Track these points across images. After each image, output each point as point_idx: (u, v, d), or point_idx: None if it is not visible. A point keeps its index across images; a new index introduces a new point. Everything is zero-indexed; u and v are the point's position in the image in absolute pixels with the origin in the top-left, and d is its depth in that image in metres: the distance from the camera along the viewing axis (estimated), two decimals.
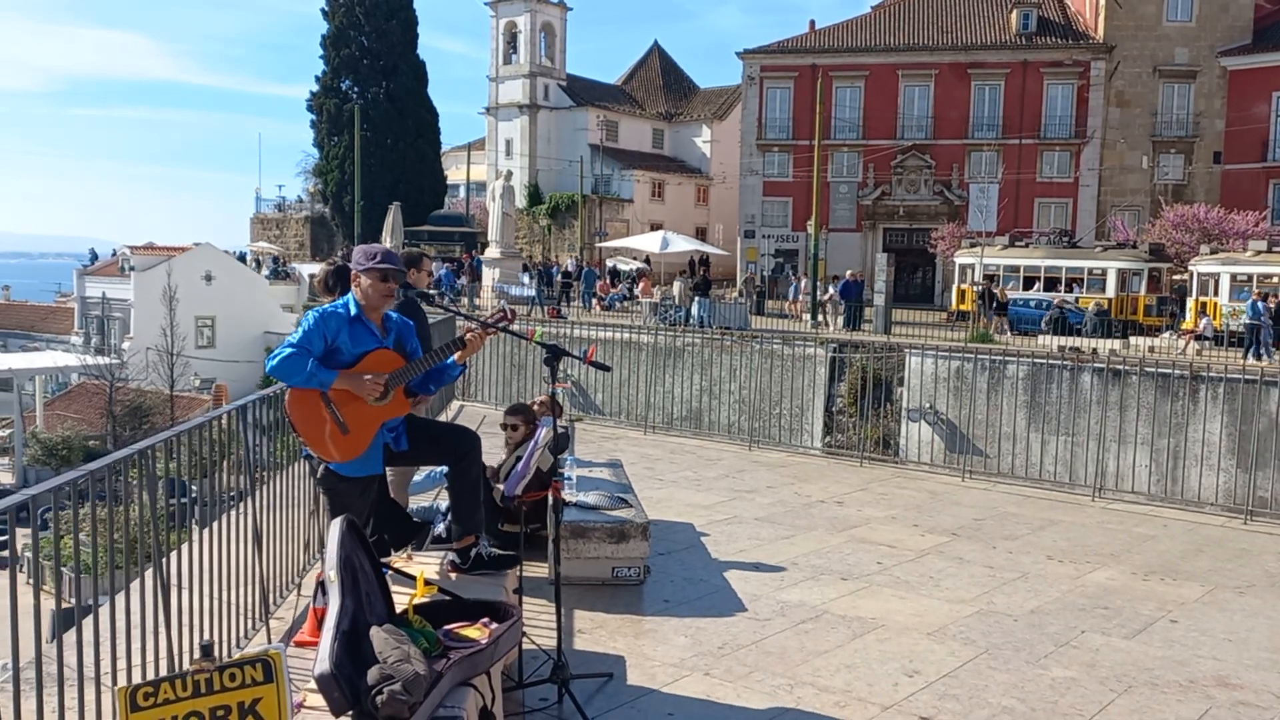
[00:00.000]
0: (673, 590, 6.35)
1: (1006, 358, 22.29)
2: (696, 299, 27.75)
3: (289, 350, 4.35)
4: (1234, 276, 30.10)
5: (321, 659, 3.38)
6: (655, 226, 54.31)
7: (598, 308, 33.51)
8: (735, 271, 45.57)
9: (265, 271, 48.68)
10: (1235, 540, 8.06)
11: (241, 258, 53.70)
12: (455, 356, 4.62)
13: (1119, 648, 5.55)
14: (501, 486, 6.37)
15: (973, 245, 34.67)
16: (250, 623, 5.11)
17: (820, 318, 28.88)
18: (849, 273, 30.27)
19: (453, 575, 5.04)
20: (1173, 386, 18.33)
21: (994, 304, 28.23)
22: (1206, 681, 5.09)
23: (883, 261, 28.47)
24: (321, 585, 4.07)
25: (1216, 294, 30.10)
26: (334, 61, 47.99)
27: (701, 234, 52.93)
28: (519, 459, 6.21)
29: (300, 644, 5.39)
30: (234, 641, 4.83)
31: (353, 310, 4.54)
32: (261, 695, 3.13)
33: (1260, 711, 4.76)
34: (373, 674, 3.43)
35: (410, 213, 40.90)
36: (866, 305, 28.85)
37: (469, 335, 4.56)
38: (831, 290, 29.19)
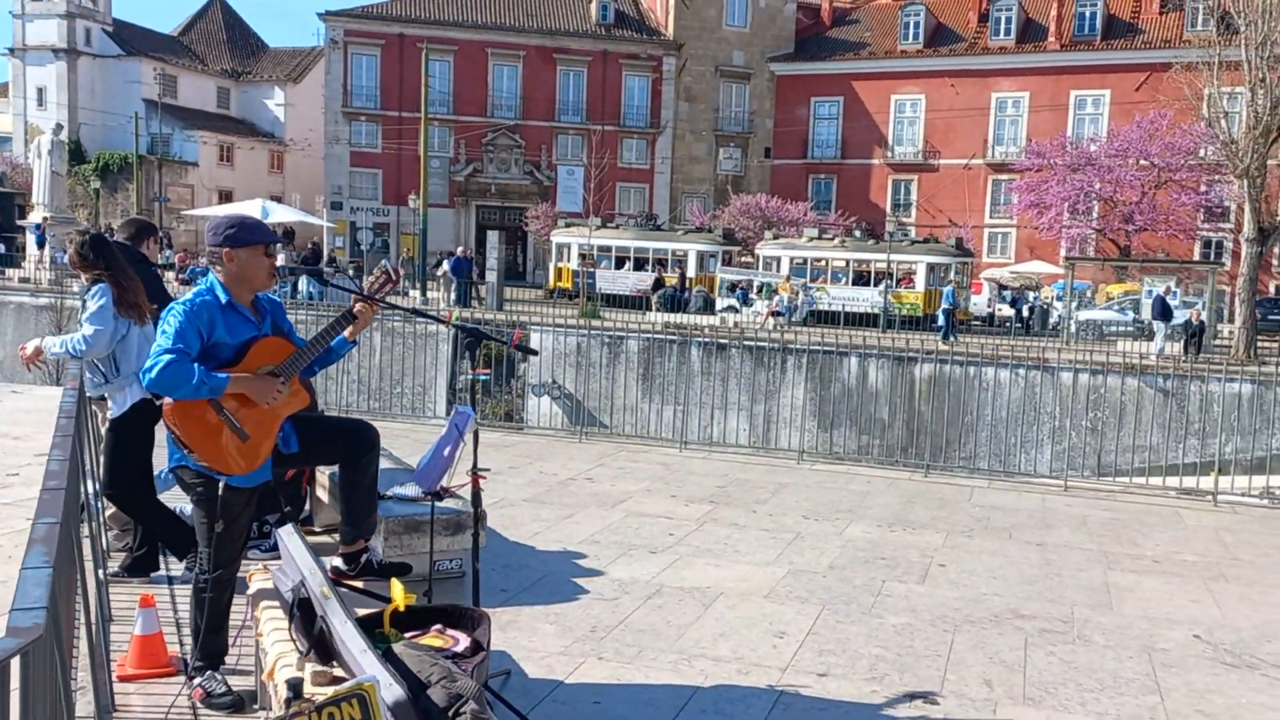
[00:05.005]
0: (500, 579, 6.17)
1: (623, 333, 23.72)
2: (305, 275, 26.32)
3: (166, 357, 3.71)
4: (792, 259, 34.35)
5: (388, 684, 3.01)
6: (224, 193, 50.62)
7: (176, 282, 30.53)
8: (323, 245, 43.68)
9: None
10: (926, 492, 9.32)
11: None
12: (346, 333, 4.19)
13: (921, 593, 6.28)
14: None
15: (568, 225, 36.20)
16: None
17: (433, 294, 28.66)
18: (460, 249, 30.26)
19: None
20: (766, 358, 20.79)
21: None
22: (1007, 615, 5.93)
23: (494, 239, 28.89)
24: (297, 603, 3.52)
25: (779, 273, 34.20)
26: None
27: (277, 202, 50.06)
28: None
29: (126, 679, 4.62)
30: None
31: (222, 296, 3.96)
32: None
33: (1060, 635, 5.65)
34: (439, 695, 3.09)
35: None
36: (480, 283, 29.09)
37: (358, 308, 4.15)
38: (445, 266, 29.02)
